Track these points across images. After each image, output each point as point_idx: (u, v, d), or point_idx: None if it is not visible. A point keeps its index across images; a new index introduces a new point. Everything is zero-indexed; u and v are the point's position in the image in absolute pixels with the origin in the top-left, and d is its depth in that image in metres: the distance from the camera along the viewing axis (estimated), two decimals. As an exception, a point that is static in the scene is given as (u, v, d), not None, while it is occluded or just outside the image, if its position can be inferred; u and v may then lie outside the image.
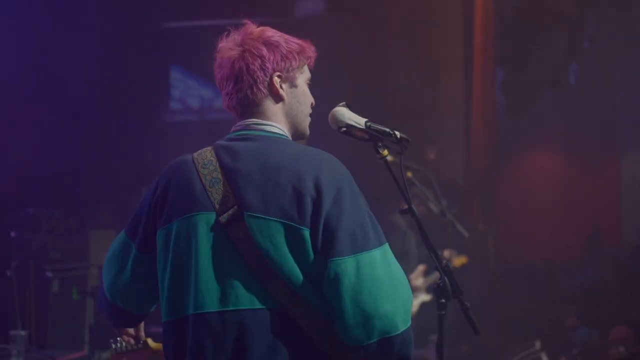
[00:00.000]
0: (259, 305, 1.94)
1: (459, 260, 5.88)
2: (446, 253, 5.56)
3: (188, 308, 2.00)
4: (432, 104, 7.71)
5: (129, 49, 7.78)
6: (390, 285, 1.93)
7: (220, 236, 1.98)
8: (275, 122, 2.12)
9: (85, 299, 5.95)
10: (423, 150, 7.42)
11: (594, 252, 9.44)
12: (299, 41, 2.16)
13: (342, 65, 6.45)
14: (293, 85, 2.14)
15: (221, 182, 2.00)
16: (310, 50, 2.16)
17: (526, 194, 10.21)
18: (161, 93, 8.70)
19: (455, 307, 2.47)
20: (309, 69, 2.20)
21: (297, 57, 2.12)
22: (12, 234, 5.86)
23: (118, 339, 2.43)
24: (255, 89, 2.09)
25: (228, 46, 2.11)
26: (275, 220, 1.93)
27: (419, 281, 5.82)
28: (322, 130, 2.37)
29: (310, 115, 2.22)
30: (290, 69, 2.11)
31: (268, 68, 2.08)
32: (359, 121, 2.27)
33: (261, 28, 2.15)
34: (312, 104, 2.22)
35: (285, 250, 1.93)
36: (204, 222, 2.00)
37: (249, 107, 2.11)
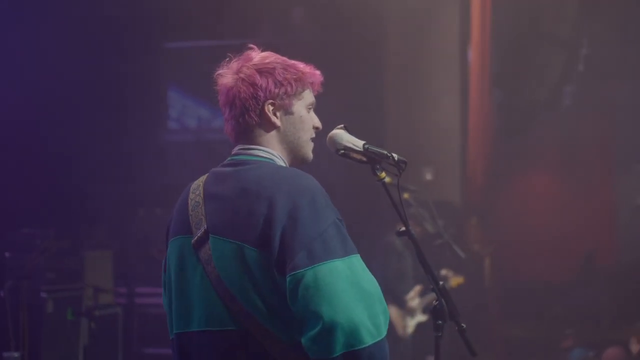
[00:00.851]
0: (225, 327, 1.97)
1: (455, 281, 5.88)
2: (443, 272, 5.56)
3: (174, 327, 2.11)
4: (428, 125, 7.73)
5: (127, 69, 7.81)
6: (355, 296, 1.88)
7: (193, 258, 2.04)
8: (267, 147, 2.13)
9: (79, 319, 5.94)
10: (420, 170, 7.43)
11: (589, 273, 9.43)
12: (301, 67, 2.16)
13: (338, 86, 6.47)
14: (288, 112, 2.14)
15: (199, 206, 2.06)
16: (312, 76, 2.17)
17: (522, 214, 10.21)
18: (159, 113, 8.71)
19: (452, 327, 2.47)
20: (314, 93, 2.20)
21: (293, 84, 2.12)
22: (6, 254, 5.85)
23: None
24: (247, 117, 2.11)
25: (225, 73, 2.15)
26: (231, 242, 1.97)
27: (415, 302, 5.81)
28: (326, 152, 2.36)
29: (314, 139, 2.22)
30: (284, 96, 2.12)
31: (260, 96, 2.10)
32: (357, 143, 2.29)
33: (263, 54, 2.17)
34: (317, 128, 2.22)
35: (238, 271, 1.95)
36: (183, 244, 2.08)
37: (242, 133, 2.14)
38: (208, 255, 1.99)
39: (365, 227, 5.88)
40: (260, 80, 2.09)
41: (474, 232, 7.48)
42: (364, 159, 2.31)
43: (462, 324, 2.46)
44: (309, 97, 2.19)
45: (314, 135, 2.22)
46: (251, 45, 2.19)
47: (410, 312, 5.86)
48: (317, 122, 2.22)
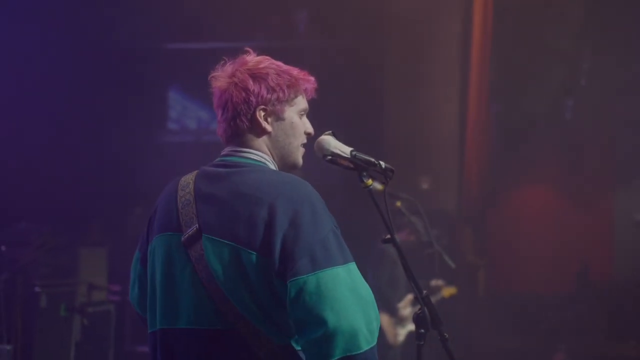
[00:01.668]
0: (213, 326, 2.00)
1: (448, 291, 5.88)
2: (433, 282, 5.56)
3: (156, 322, 2.11)
4: (427, 134, 7.75)
5: (128, 69, 7.84)
6: (354, 303, 1.92)
7: (182, 255, 2.05)
8: (258, 151, 2.15)
9: (72, 315, 5.95)
10: (416, 179, 7.44)
11: (583, 287, 9.43)
12: (295, 73, 2.17)
13: (337, 95, 6.50)
14: (279, 118, 2.15)
15: (190, 204, 2.07)
16: (306, 82, 2.18)
17: (518, 226, 10.21)
18: (159, 114, 8.74)
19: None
20: (307, 99, 2.21)
21: (285, 90, 2.14)
22: (2, 248, 5.87)
23: None
24: (238, 121, 2.13)
25: (219, 76, 2.16)
26: (227, 243, 1.98)
27: (406, 310, 5.82)
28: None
29: (306, 145, 2.24)
30: (276, 102, 2.13)
31: (252, 101, 2.11)
32: (345, 150, 2.30)
33: (258, 58, 2.18)
34: (309, 134, 2.23)
35: (233, 273, 1.97)
36: (172, 241, 2.09)
37: (233, 136, 2.16)
38: (199, 254, 2.00)
39: (358, 233, 5.88)
40: (253, 86, 2.11)
41: (469, 243, 7.49)
42: (351, 165, 2.33)
43: (445, 334, 2.47)
44: (301, 103, 2.20)
45: (305, 141, 2.23)
46: (247, 49, 2.21)
47: (402, 321, 5.87)
48: (309, 128, 2.23)
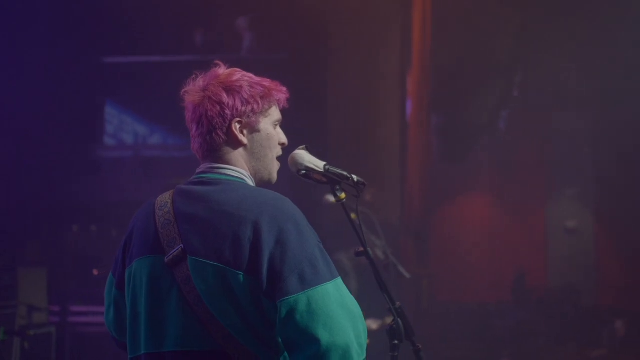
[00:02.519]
0: (202, 347, 1.96)
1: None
2: None
3: (141, 347, 2.06)
4: (370, 147, 7.82)
5: (64, 83, 7.68)
6: (345, 318, 1.92)
7: (167, 277, 2.01)
8: (236, 166, 2.13)
9: (12, 339, 5.76)
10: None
11: (521, 294, 9.64)
12: (267, 84, 2.15)
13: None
14: (255, 130, 2.14)
15: (172, 224, 2.03)
16: (279, 92, 2.17)
17: (458, 236, 10.39)
18: (95, 128, 8.57)
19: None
20: (280, 109, 2.20)
21: (259, 102, 2.12)
22: (-62, 270, 5.65)
23: None
24: (214, 135, 2.10)
25: (192, 90, 2.13)
26: (212, 264, 1.95)
27: None
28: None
29: (279, 158, 2.22)
30: (251, 113, 2.12)
31: (227, 114, 2.09)
32: (318, 164, 2.32)
33: (229, 71, 2.16)
34: (283, 144, 2.22)
35: (220, 293, 1.94)
36: (154, 262, 2.04)
37: (209, 151, 2.13)
38: (186, 276, 1.97)
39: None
40: (227, 99, 2.09)
41: (411, 254, 7.56)
42: (324, 179, 2.35)
43: (418, 344, 2.50)
44: (275, 113, 2.19)
45: (280, 153, 2.22)
46: (217, 62, 2.18)
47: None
48: (284, 139, 2.22)
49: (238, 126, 2.11)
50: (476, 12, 7.85)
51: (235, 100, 2.09)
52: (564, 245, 10.69)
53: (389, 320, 2.48)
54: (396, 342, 2.44)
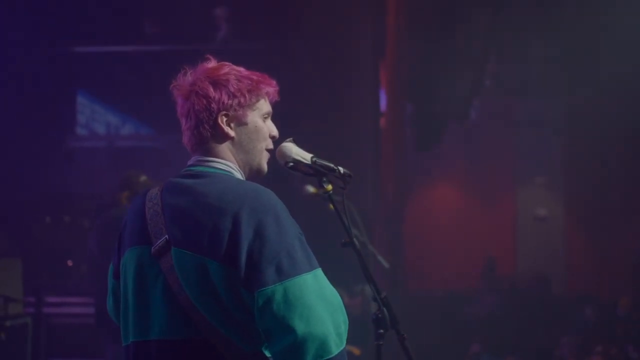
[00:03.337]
0: (186, 335, 2.00)
1: (352, 349, 5.79)
2: None
3: (130, 335, 2.11)
4: (343, 137, 7.84)
5: (35, 73, 7.61)
6: (322, 308, 1.94)
7: (154, 267, 2.05)
8: (223, 158, 2.15)
9: (-15, 330, 5.71)
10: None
11: (491, 281, 9.78)
12: (255, 77, 2.17)
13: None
14: (242, 122, 2.15)
15: (159, 215, 2.07)
16: (268, 85, 2.19)
17: (430, 224, 10.50)
18: (67, 119, 8.50)
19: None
20: (270, 102, 2.23)
21: (246, 95, 2.14)
22: None
23: None
24: (201, 129, 2.13)
25: (181, 85, 2.16)
26: (193, 255, 1.98)
27: None
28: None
29: (270, 150, 2.24)
30: (238, 107, 2.13)
31: (213, 108, 2.11)
32: (305, 157, 2.36)
33: (218, 65, 2.18)
34: (273, 137, 2.24)
35: (201, 283, 1.97)
36: (142, 253, 2.08)
37: (198, 144, 2.16)
38: (170, 266, 2.01)
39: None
40: (213, 93, 2.11)
41: (384, 242, 7.62)
42: (311, 171, 2.38)
43: (402, 332, 2.55)
44: (264, 106, 2.20)
45: (271, 146, 2.24)
46: (207, 56, 2.20)
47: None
48: (274, 131, 2.24)
49: (225, 119, 2.13)
50: (449, 2, 7.91)
51: (221, 94, 2.12)
52: (533, 232, 10.86)
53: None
54: (381, 331, 2.49)
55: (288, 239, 1.98)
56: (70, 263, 5.70)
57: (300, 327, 1.90)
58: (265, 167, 2.23)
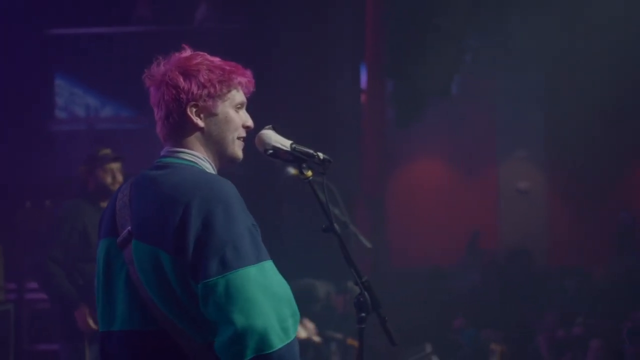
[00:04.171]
0: (144, 327, 2.02)
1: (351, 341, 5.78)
2: None
3: (100, 325, 2.17)
4: (324, 115, 7.82)
5: (11, 55, 7.51)
6: (265, 301, 1.93)
7: (119, 258, 2.08)
8: (192, 149, 2.15)
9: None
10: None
11: (474, 256, 9.84)
12: (228, 67, 2.16)
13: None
14: (212, 113, 2.15)
15: (126, 207, 2.10)
16: (240, 76, 2.17)
17: (413, 201, 10.53)
18: (46, 101, 8.41)
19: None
20: (246, 93, 2.21)
21: (217, 85, 2.13)
22: None
23: None
24: (171, 119, 2.14)
25: (153, 74, 2.16)
26: (148, 246, 2.00)
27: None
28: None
29: (245, 138, 2.23)
30: (207, 97, 2.13)
31: (182, 99, 2.11)
32: (285, 143, 2.35)
33: (190, 55, 2.17)
34: (248, 127, 2.22)
35: (155, 275, 1.99)
36: (110, 244, 2.12)
37: (168, 135, 2.17)
38: (131, 257, 2.03)
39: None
40: (183, 83, 2.11)
41: (367, 220, 7.64)
42: (291, 158, 2.38)
43: (384, 315, 2.56)
44: (237, 97, 2.19)
45: (244, 135, 2.22)
46: (184, 45, 2.20)
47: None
48: (248, 121, 2.22)
49: (194, 110, 2.13)
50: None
51: (191, 85, 2.11)
52: (516, 206, 10.92)
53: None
54: (363, 314, 2.50)
55: (236, 230, 1.97)
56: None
57: (239, 320, 1.90)
58: (239, 154, 2.22)
